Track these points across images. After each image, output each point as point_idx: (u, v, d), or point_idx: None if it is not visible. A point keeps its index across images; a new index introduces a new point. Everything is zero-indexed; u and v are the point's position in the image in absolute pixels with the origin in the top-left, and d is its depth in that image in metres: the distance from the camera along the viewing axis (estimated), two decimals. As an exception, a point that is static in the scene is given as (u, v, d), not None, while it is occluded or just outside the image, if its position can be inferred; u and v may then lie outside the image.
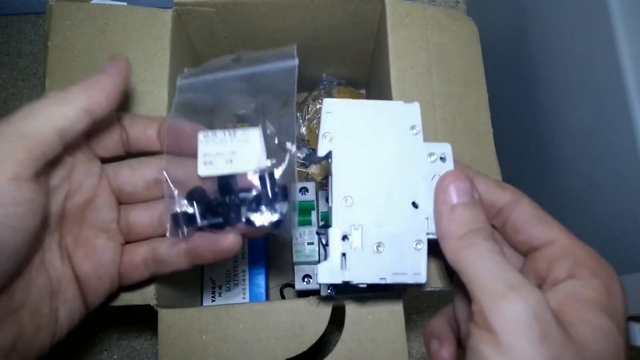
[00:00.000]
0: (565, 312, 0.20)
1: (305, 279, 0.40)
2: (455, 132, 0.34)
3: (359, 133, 0.27)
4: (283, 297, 0.48)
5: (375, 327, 0.30)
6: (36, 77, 0.60)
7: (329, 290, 0.38)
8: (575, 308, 0.21)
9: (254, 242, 0.46)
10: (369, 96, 0.53)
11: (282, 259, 0.49)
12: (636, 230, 0.30)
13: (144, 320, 0.51)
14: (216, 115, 0.31)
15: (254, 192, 0.26)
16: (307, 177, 0.51)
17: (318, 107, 0.51)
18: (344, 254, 0.25)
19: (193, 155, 0.27)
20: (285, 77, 0.29)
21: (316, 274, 0.25)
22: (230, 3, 0.37)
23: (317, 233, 0.40)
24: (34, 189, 0.22)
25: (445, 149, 0.27)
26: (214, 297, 0.44)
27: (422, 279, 0.25)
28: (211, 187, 0.27)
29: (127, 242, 0.29)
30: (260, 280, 0.45)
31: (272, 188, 0.26)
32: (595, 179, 0.34)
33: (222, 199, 0.27)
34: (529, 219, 0.24)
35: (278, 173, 0.27)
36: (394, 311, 0.30)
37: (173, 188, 0.27)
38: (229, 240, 0.26)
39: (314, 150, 0.47)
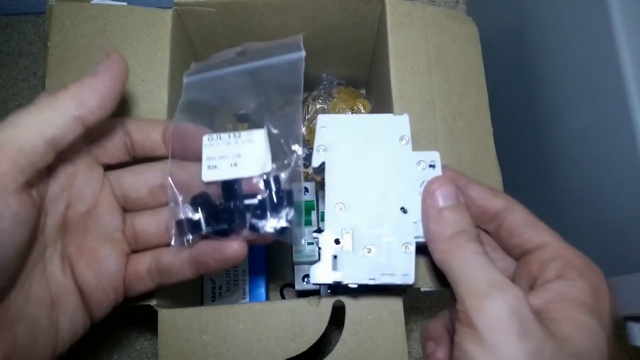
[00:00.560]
0: (551, 309, 0.21)
1: (305, 279, 0.40)
2: (455, 132, 0.34)
3: (351, 144, 0.28)
4: (283, 297, 0.48)
5: (375, 327, 0.30)
6: (36, 77, 0.60)
7: (328, 291, 0.38)
8: (561, 306, 0.21)
9: (254, 242, 0.46)
10: (368, 96, 0.53)
11: (282, 259, 0.49)
12: (636, 230, 0.30)
13: (144, 320, 0.51)
14: (217, 114, 0.31)
15: (259, 197, 0.26)
16: (307, 177, 0.51)
17: (318, 107, 0.51)
18: (335, 256, 0.26)
19: (198, 158, 0.27)
20: (291, 69, 0.28)
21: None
22: (230, 3, 0.37)
23: (314, 237, 0.40)
24: (20, 201, 0.21)
25: (434, 156, 0.28)
26: (214, 297, 0.44)
27: (410, 279, 0.26)
28: (216, 191, 0.27)
29: (134, 251, 0.28)
30: (260, 280, 0.45)
31: (277, 193, 0.26)
32: (595, 178, 0.34)
33: (226, 205, 0.26)
34: (522, 223, 0.25)
35: (283, 177, 0.26)
36: (394, 311, 0.30)
37: (177, 193, 0.26)
38: (234, 248, 0.25)
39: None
